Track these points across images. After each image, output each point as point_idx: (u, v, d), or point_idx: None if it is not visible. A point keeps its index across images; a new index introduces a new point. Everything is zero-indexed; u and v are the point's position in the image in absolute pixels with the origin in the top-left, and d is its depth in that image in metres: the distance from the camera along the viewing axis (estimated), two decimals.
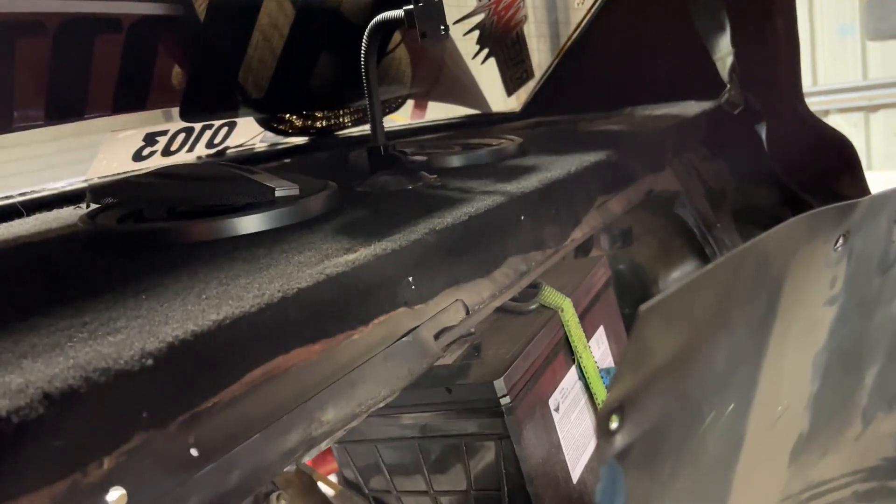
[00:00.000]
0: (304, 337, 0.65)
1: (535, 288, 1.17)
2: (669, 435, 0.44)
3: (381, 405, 0.77)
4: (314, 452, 0.69)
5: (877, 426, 0.71)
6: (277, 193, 0.90)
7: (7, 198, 1.14)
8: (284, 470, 1.15)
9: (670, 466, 0.45)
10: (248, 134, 1.57)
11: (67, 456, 0.45)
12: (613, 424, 0.38)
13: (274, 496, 1.20)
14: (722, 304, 0.41)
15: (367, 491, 1.12)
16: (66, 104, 1.02)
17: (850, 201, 0.52)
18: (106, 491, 0.48)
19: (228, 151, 1.56)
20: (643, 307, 0.34)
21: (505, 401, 0.93)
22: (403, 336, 0.79)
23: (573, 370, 1.13)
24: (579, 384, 1.14)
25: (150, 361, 0.50)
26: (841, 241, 0.53)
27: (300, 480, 1.22)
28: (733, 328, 0.45)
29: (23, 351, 0.51)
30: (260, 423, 0.60)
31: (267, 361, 0.62)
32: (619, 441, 0.39)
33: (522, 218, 1.01)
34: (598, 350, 1.21)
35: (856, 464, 0.72)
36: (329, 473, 1.64)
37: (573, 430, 1.09)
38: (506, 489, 0.98)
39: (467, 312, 0.97)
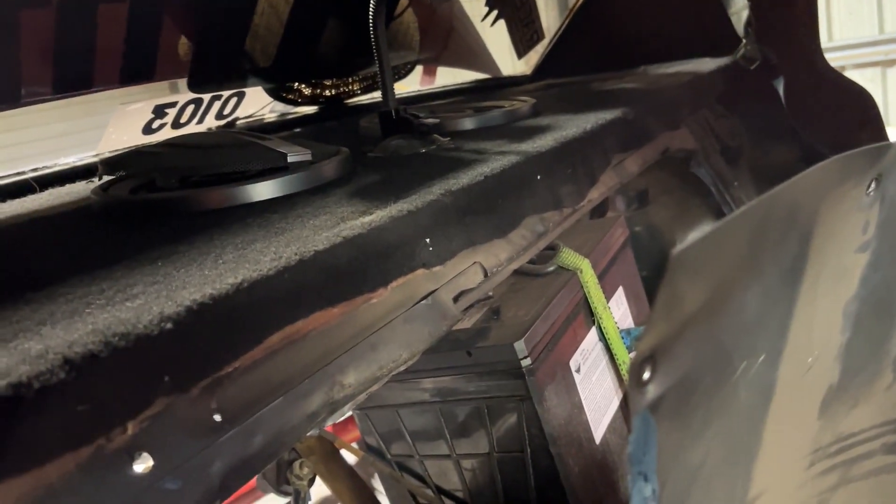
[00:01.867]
0: (322, 300, 0.64)
1: (552, 250, 1.15)
2: (701, 385, 0.43)
3: (402, 368, 0.76)
4: (337, 416, 0.69)
5: None
6: (290, 159, 0.88)
7: (19, 174, 1.14)
8: (307, 436, 1.15)
9: (701, 417, 0.44)
10: (257, 104, 1.55)
11: (90, 421, 0.45)
12: (646, 375, 0.37)
13: (297, 464, 1.21)
14: (753, 249, 0.40)
15: (389, 456, 1.12)
16: (72, 76, 1.01)
17: (882, 143, 0.51)
18: (132, 456, 0.48)
19: (238, 122, 1.54)
20: (675, 251, 0.33)
21: (525, 362, 0.92)
22: (422, 299, 0.78)
23: (593, 331, 1.13)
24: (600, 345, 1.13)
25: (169, 325, 0.49)
26: (873, 185, 0.52)
27: (323, 447, 1.23)
28: (764, 274, 0.44)
29: (41, 319, 0.50)
30: (282, 387, 0.59)
31: (286, 325, 0.61)
32: (652, 392, 0.38)
33: (538, 177, 0.99)
34: (617, 311, 1.20)
35: (886, 415, 0.71)
36: (352, 441, 1.65)
37: (595, 390, 1.09)
38: (529, 451, 0.98)
39: (485, 275, 0.96)
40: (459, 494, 1.08)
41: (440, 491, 1.10)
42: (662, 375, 0.38)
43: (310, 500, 1.21)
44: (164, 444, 0.50)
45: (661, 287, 0.33)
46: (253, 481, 2.59)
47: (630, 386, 0.37)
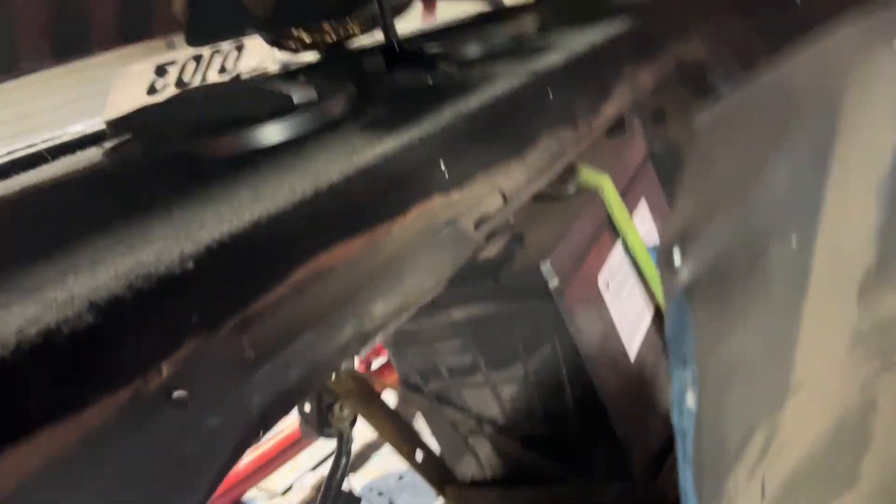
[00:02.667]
0: (343, 232, 0.64)
1: (571, 172, 1.13)
2: (734, 269, 0.42)
3: (430, 297, 0.76)
4: (368, 347, 0.69)
5: None
6: (296, 100, 0.87)
7: (31, 146, 1.13)
8: (345, 378, 1.16)
9: (738, 304, 0.43)
10: (258, 56, 1.53)
11: (125, 365, 0.45)
12: (676, 258, 0.36)
13: (338, 406, 1.23)
14: (780, 117, 0.38)
15: (426, 390, 1.13)
16: (69, 40, 0.99)
17: None
18: (169, 396, 0.48)
19: (242, 77, 1.52)
20: (699, 117, 0.31)
21: (553, 283, 0.92)
22: (443, 227, 0.77)
23: (619, 248, 1.11)
24: (627, 262, 1.12)
25: (190, 265, 0.49)
26: None
27: (361, 389, 1.24)
28: (794, 148, 0.42)
29: (64, 270, 0.50)
30: (311, 321, 0.59)
31: (309, 260, 0.61)
32: (684, 275, 0.37)
33: (550, 96, 0.97)
34: (642, 227, 1.18)
35: None
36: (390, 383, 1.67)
37: (626, 308, 1.08)
38: (564, 371, 0.98)
39: (505, 199, 0.95)
40: (500, 421, 1.09)
41: (480, 420, 1.11)
42: (693, 258, 0.37)
43: (353, 440, 1.23)
44: (200, 382, 0.50)
45: (688, 158, 0.32)
46: (296, 433, 2.64)
47: (661, 270, 0.36)
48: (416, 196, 0.72)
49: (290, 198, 0.59)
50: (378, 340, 0.69)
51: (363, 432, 3.00)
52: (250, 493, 2.55)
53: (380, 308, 0.66)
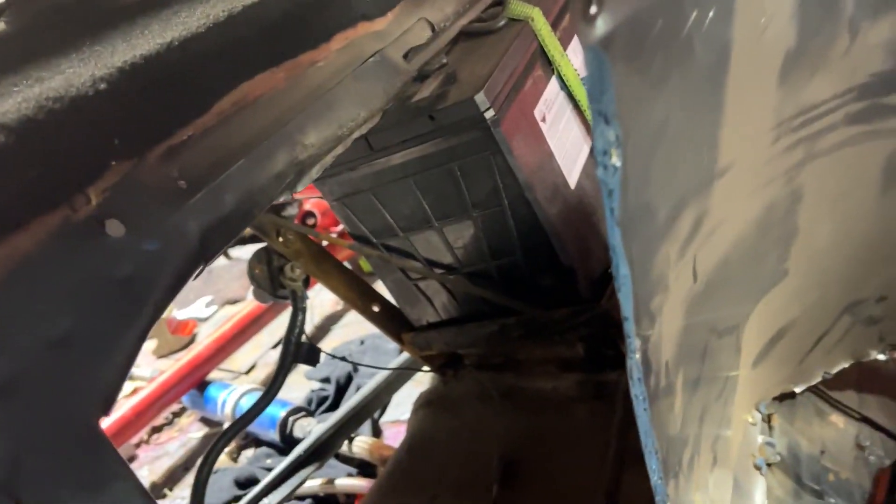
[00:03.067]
0: (265, 60, 0.62)
1: (500, 5, 1.11)
2: (653, 28, 0.42)
3: (364, 128, 0.75)
4: (306, 180, 0.69)
5: (864, 38, 0.69)
6: None
7: None
8: (293, 238, 1.16)
9: (659, 66, 0.44)
10: None
11: (49, 187, 0.44)
12: (592, 8, 0.36)
13: (288, 267, 1.24)
14: None
15: (375, 241, 1.14)
16: None
17: None
18: (102, 224, 0.47)
19: None
20: None
21: (489, 114, 0.91)
22: (371, 57, 0.76)
23: (554, 80, 1.11)
24: (562, 94, 1.12)
25: (103, 86, 0.47)
26: None
27: (311, 248, 1.25)
28: None
29: None
30: (241, 150, 0.58)
31: (232, 90, 0.59)
32: (601, 26, 0.36)
33: None
34: (576, 59, 1.17)
35: (846, 82, 0.71)
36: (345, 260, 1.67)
37: (563, 138, 1.09)
38: (506, 203, 0.99)
39: (433, 30, 0.93)
40: (449, 261, 1.11)
41: (430, 263, 1.13)
42: (611, 10, 0.37)
43: (307, 298, 1.24)
44: (133, 210, 0.49)
45: None
46: (256, 311, 2.65)
47: (575, 18, 0.35)
48: (339, 22, 0.70)
49: (203, 22, 0.56)
50: (316, 173, 0.68)
51: (322, 304, 3.05)
52: (214, 374, 2.60)
53: (312, 137, 0.66)
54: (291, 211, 1.74)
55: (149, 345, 3.38)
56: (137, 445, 2.77)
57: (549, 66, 1.10)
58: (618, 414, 0.94)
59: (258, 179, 0.59)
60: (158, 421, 2.76)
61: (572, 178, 1.09)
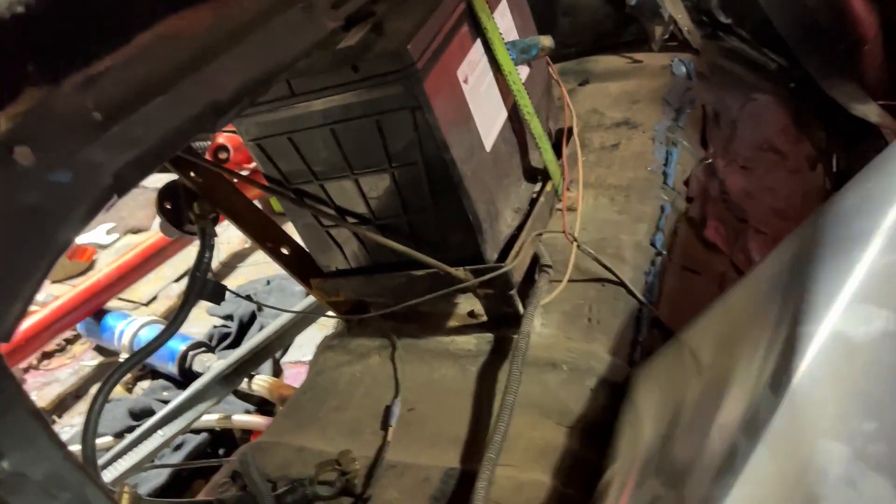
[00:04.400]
0: None
1: None
2: None
3: (285, 73, 0.76)
4: (224, 121, 0.69)
5: None
6: None
7: None
8: (204, 173, 1.15)
9: None
10: None
11: None
12: None
13: (197, 203, 1.22)
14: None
15: (289, 185, 1.14)
16: None
17: None
18: (11, 150, 0.47)
19: None
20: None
21: (413, 69, 0.93)
22: (299, 2, 0.75)
23: (479, 44, 1.13)
24: (485, 58, 1.14)
25: (20, 9, 0.46)
26: None
27: (222, 185, 1.23)
28: None
29: None
30: (160, 86, 0.58)
31: (155, 23, 0.58)
32: None
33: None
34: (502, 23, 1.19)
35: None
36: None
37: (483, 101, 1.11)
38: (422, 160, 1.02)
39: None
40: (362, 211, 1.13)
41: (342, 211, 1.15)
42: None
43: (216, 236, 1.23)
44: (44, 138, 0.49)
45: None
46: (159, 242, 2.58)
47: None
48: None
49: None
50: (234, 115, 0.68)
51: (230, 240, 3.00)
52: (113, 304, 2.54)
53: (234, 79, 0.66)
54: (203, 143, 1.69)
55: None
56: (26, 370, 2.68)
57: (476, 28, 1.12)
58: (510, 369, 0.99)
59: (175, 118, 0.59)
60: (50, 347, 2.68)
61: (489, 140, 1.12)
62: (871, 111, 1.73)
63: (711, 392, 0.75)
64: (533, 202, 1.26)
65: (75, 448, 1.35)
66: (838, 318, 0.63)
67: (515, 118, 1.22)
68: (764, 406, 0.62)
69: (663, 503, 0.65)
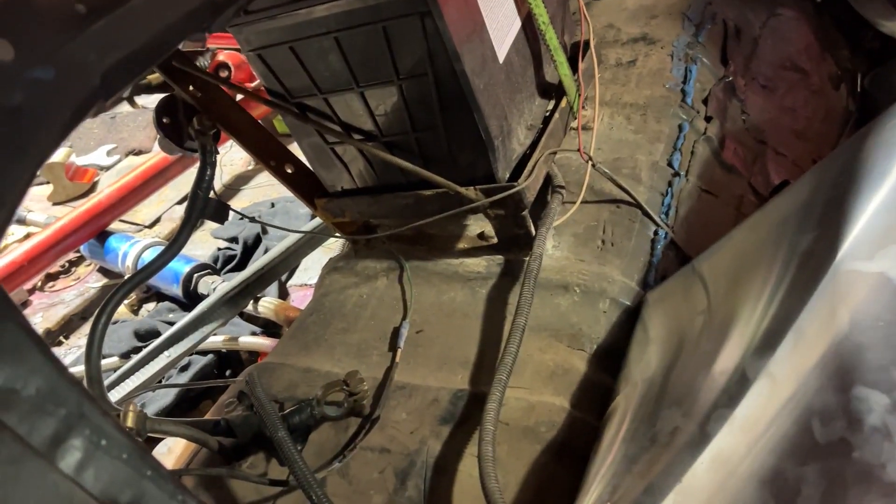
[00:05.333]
0: None
1: None
2: None
3: None
4: (221, 21, 0.64)
5: None
6: None
7: None
8: (203, 86, 1.09)
9: None
10: None
11: None
12: None
13: (197, 118, 1.17)
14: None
15: (292, 99, 1.09)
16: None
17: None
18: None
19: None
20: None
21: None
22: None
23: None
24: None
25: None
26: None
27: (222, 101, 1.18)
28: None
29: None
30: None
31: None
32: None
33: None
34: None
35: None
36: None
37: (496, 10, 1.05)
38: (432, 72, 0.96)
39: None
40: (369, 128, 1.09)
41: (348, 128, 1.10)
42: None
43: (217, 153, 1.19)
44: (23, 31, 0.44)
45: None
46: (161, 162, 2.54)
47: None
48: None
49: None
50: (233, 13, 0.63)
51: (233, 162, 2.95)
52: (115, 226, 2.51)
53: None
54: (204, 61, 1.64)
55: (44, 190, 3.21)
56: (31, 292, 2.69)
57: None
58: (520, 291, 0.97)
59: (168, 14, 0.54)
60: (54, 269, 2.67)
61: (501, 51, 1.07)
62: None
63: (717, 326, 0.73)
64: (547, 119, 1.21)
65: (80, 368, 1.34)
66: (885, 258, 0.60)
67: (530, 29, 1.16)
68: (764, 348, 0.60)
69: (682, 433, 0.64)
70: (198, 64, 1.21)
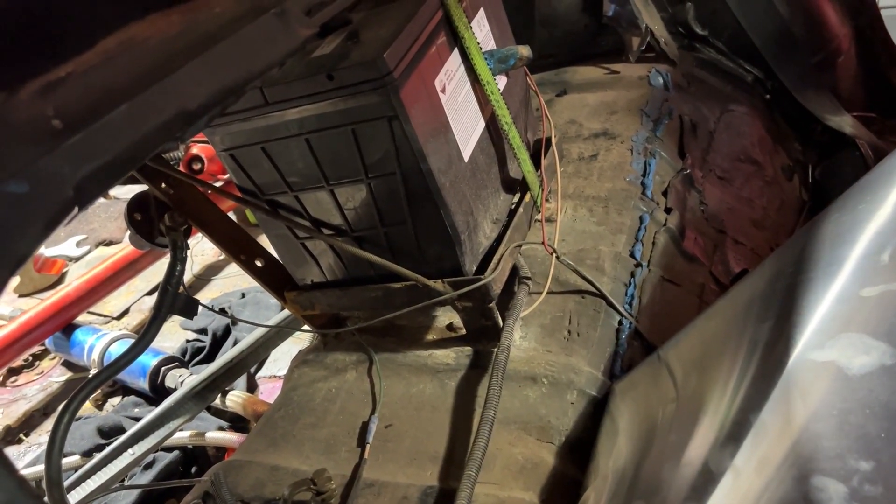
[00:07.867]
0: (158, 2, 0.59)
1: None
2: None
3: (258, 81, 0.74)
4: (194, 131, 0.67)
5: None
6: None
7: None
8: (175, 184, 1.12)
9: None
10: None
11: None
12: None
13: (168, 215, 1.19)
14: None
15: (263, 196, 1.12)
16: None
17: None
18: None
19: None
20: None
21: (389, 78, 0.91)
22: (271, 8, 0.73)
23: (456, 53, 1.11)
24: (463, 67, 1.13)
25: None
26: None
27: (193, 197, 1.20)
28: None
29: None
30: (126, 93, 0.56)
31: (119, 28, 0.56)
32: None
33: None
34: (480, 32, 1.18)
35: None
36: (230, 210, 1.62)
37: (461, 111, 1.10)
38: (400, 171, 1.00)
39: None
40: (338, 223, 1.11)
41: (317, 223, 1.12)
42: None
43: (188, 249, 1.20)
44: (2, 146, 0.46)
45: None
46: (131, 255, 2.53)
47: None
48: None
49: None
50: (205, 124, 0.66)
51: (204, 252, 2.95)
52: (83, 318, 2.48)
53: (203, 87, 0.63)
54: (177, 154, 1.66)
55: (11, 282, 3.17)
56: None
57: (454, 37, 1.11)
58: (489, 384, 0.97)
59: (142, 127, 0.57)
60: (17, 363, 2.62)
61: (467, 151, 1.11)
62: (845, 122, 1.74)
63: (684, 417, 0.74)
64: (512, 213, 1.24)
65: (39, 468, 1.30)
66: (834, 347, 0.62)
67: (493, 128, 1.21)
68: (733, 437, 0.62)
69: None
70: (171, 156, 1.23)
